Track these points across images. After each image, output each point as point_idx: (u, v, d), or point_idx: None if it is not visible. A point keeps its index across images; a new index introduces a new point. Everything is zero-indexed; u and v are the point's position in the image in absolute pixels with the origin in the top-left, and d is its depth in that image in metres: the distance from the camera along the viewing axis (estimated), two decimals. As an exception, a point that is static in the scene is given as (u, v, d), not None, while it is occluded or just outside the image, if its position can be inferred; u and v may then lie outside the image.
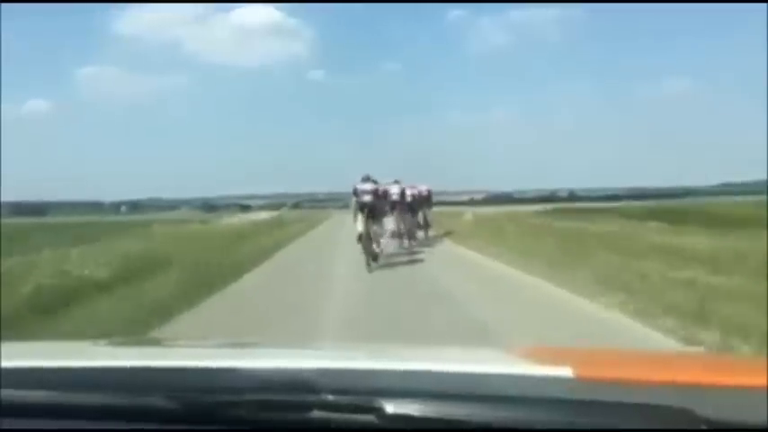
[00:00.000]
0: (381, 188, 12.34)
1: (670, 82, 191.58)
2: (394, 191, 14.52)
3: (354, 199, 11.39)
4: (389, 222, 14.37)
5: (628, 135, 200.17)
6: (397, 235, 14.70)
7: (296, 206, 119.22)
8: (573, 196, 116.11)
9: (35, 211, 68.58)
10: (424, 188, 17.00)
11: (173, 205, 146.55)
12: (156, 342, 2.37)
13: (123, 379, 1.03)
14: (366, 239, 10.93)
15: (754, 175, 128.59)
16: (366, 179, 11.49)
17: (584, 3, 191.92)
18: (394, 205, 14.31)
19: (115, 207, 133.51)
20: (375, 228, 11.44)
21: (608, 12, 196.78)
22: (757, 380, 0.94)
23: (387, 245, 13.05)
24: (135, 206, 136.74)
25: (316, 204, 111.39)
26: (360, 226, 11.03)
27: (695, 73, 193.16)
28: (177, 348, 1.57)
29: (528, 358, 1.23)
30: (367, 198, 11.24)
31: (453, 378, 0.97)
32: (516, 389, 0.92)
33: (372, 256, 11.01)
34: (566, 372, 0.95)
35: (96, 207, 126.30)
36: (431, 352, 1.50)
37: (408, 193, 15.33)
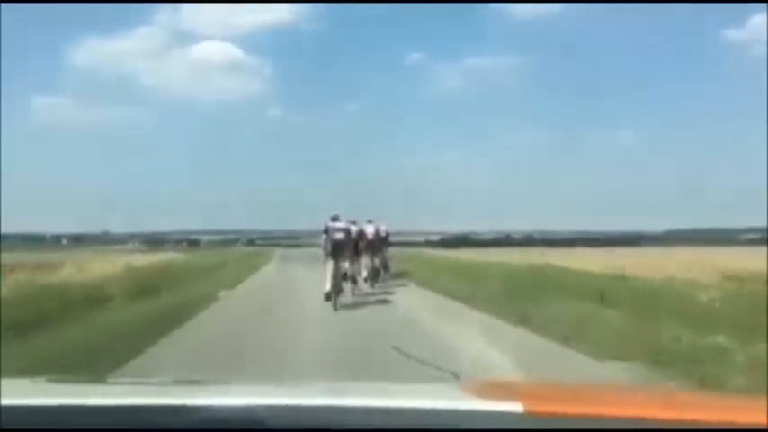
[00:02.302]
0: (354, 227, 12.58)
1: (621, 131, 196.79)
2: (369, 230, 14.90)
3: (324, 237, 11.49)
4: (364, 261, 14.59)
5: (581, 180, 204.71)
6: (371, 273, 14.88)
7: (250, 243, 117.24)
8: (530, 239, 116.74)
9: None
10: (383, 228, 17.24)
11: (122, 239, 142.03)
12: (108, 380, 2.21)
13: (73, 418, 0.99)
14: (337, 278, 10.94)
15: (700, 223, 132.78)
16: (336, 218, 11.58)
17: (537, 52, 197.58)
18: (368, 244, 14.65)
19: (56, 240, 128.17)
20: (347, 266, 11.57)
21: (560, 61, 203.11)
22: (707, 415, 0.98)
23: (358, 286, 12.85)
24: (77, 239, 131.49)
25: (269, 242, 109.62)
26: (330, 267, 11.07)
27: (646, 123, 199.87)
28: (128, 386, 1.49)
29: (480, 393, 1.18)
30: (339, 236, 11.36)
31: (407, 414, 0.98)
32: (469, 424, 0.94)
33: (339, 291, 10.98)
34: (516, 407, 0.96)
35: (37, 240, 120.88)
36: (384, 387, 1.50)
37: (379, 232, 15.78)
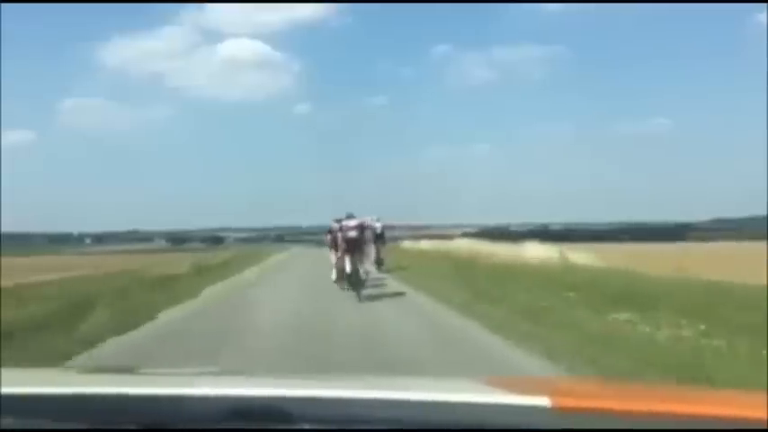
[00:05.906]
0: (365, 223, 13.28)
1: (659, 119, 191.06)
2: (377, 225, 16.99)
3: (340, 234, 12.31)
4: (371, 253, 15.51)
5: (619, 170, 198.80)
6: (374, 264, 16.31)
7: (279, 239, 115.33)
8: (569, 230, 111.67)
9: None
10: (377, 223, 17.66)
11: (148, 236, 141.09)
12: (127, 370, 2.03)
13: (92, 407, 0.99)
14: (354, 275, 11.64)
15: (747, 211, 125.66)
16: (350, 216, 12.35)
17: (570, 42, 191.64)
18: (376, 238, 16.74)
19: (81, 239, 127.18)
20: (358, 259, 11.98)
21: (592, 50, 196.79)
22: (736, 411, 0.98)
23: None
24: (100, 238, 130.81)
25: (298, 237, 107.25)
26: (347, 264, 11.82)
27: (684, 110, 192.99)
28: (148, 376, 1.50)
29: (506, 387, 1.18)
30: (353, 234, 12.04)
31: (431, 407, 0.96)
32: (494, 418, 0.93)
33: (361, 285, 11.59)
34: (543, 401, 0.95)
35: (64, 239, 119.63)
36: (408, 381, 1.51)
37: (378, 225, 17.43)
